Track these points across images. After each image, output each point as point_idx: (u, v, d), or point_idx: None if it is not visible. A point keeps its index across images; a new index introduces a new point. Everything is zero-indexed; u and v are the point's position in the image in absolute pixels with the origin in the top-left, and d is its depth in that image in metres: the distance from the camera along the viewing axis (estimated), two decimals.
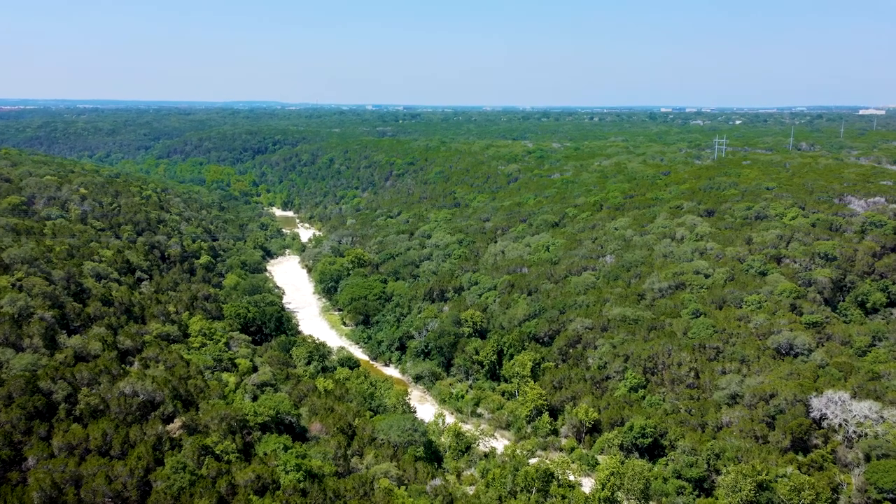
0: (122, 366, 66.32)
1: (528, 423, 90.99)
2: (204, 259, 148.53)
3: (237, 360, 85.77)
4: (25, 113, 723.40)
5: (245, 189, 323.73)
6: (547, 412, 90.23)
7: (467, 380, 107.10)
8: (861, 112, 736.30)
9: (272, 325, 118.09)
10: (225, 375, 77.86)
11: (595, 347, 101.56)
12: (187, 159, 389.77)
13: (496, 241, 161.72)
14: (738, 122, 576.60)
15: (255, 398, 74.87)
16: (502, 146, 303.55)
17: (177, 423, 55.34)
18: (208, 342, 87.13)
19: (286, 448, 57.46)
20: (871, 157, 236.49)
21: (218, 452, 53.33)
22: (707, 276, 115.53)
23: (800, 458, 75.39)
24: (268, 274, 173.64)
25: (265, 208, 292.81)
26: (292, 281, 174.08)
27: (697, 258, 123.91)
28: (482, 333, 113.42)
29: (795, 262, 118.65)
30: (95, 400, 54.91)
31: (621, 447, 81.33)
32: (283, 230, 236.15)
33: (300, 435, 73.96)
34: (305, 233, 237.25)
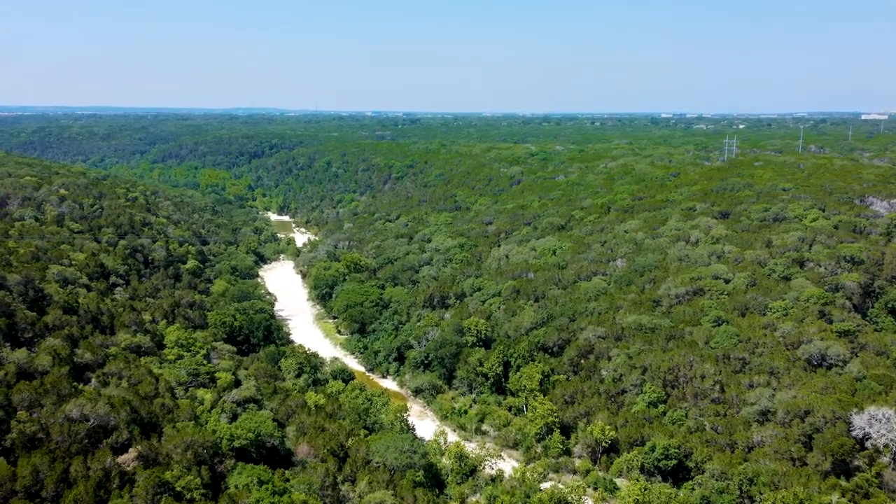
0: (76, 384, 57.81)
1: (538, 441, 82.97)
2: (191, 264, 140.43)
3: (217, 374, 77.46)
4: (22, 119, 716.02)
5: (240, 193, 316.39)
6: (558, 430, 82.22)
7: (471, 393, 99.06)
8: (863, 117, 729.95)
9: (260, 334, 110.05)
10: (200, 392, 69.57)
11: (609, 358, 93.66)
12: (182, 163, 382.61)
13: (499, 245, 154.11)
14: (741, 127, 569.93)
15: (234, 417, 66.78)
16: (504, 149, 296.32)
17: (131, 452, 46.91)
18: (185, 354, 78.86)
19: (262, 482, 49.32)
20: (885, 159, 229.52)
21: (179, 489, 44.84)
22: (727, 281, 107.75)
23: (843, 483, 67.56)
24: (260, 280, 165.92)
25: (260, 212, 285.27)
26: (286, 287, 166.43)
27: (715, 262, 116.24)
28: (486, 343, 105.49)
29: (820, 266, 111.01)
30: (33, 427, 46.32)
31: (642, 469, 73.44)
32: (279, 235, 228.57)
33: (285, 459, 65.98)
34: (301, 237, 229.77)
